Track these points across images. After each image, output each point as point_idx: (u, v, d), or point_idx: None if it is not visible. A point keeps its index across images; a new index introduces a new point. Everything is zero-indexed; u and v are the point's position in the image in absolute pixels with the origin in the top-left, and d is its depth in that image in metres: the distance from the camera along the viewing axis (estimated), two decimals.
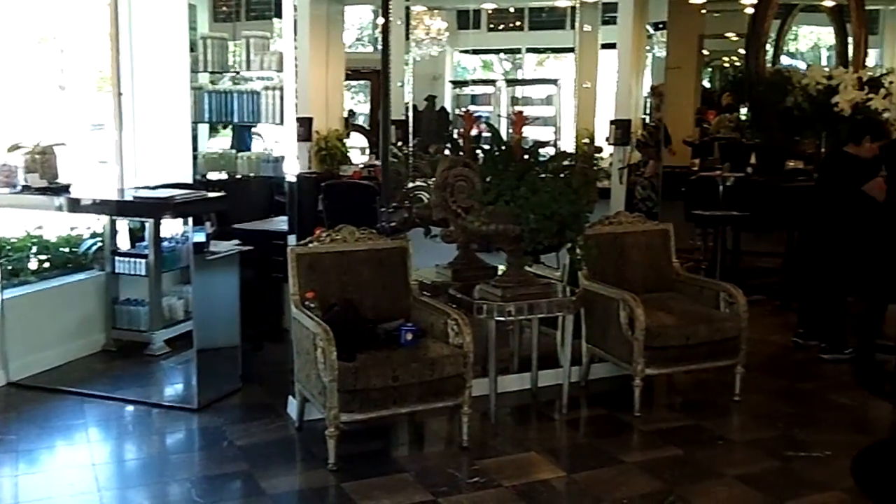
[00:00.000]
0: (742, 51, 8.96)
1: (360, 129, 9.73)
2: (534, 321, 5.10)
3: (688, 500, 3.95)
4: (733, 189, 7.38)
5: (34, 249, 5.76)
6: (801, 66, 9.59)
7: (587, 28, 6.04)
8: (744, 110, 8.39)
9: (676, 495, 3.99)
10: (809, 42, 11.79)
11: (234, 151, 7.50)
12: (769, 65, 8.77)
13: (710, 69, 12.60)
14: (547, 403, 5.15)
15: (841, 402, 5.28)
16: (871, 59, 9.78)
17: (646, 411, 4.98)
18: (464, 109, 6.66)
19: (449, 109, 9.84)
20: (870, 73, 7.69)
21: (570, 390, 5.09)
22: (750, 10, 8.58)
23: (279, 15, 5.58)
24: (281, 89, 5.91)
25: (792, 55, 11.40)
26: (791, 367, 5.94)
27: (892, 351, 5.77)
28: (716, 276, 7.52)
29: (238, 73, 6.83)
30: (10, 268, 5.52)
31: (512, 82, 11.01)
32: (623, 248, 5.48)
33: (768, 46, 9.23)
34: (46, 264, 5.80)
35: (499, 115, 8.77)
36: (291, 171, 4.82)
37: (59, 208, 5.13)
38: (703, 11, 9.16)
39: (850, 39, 8.74)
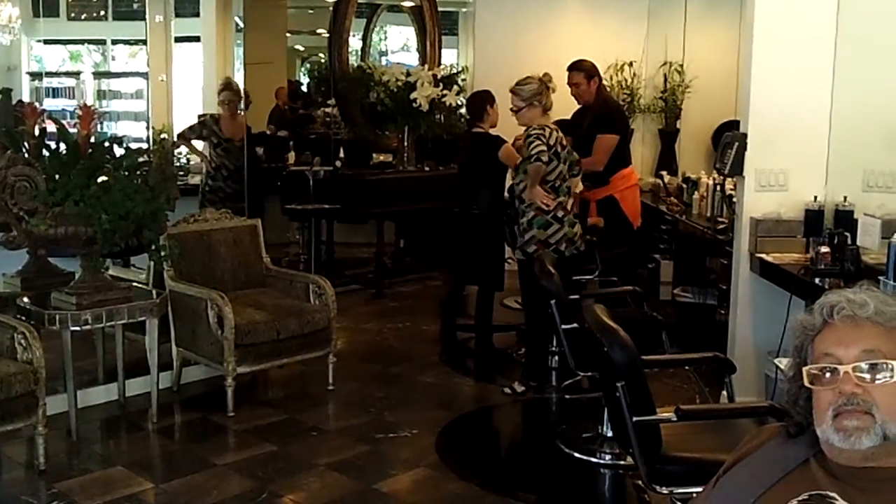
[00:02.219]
0: None
1: None
2: (117, 328, 4.82)
3: (280, 496, 3.94)
4: (324, 183, 7.52)
5: None
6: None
7: (158, 19, 5.80)
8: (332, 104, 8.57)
9: (269, 492, 3.96)
10: (400, 41, 12.36)
11: None
12: (360, 62, 9.05)
13: (308, 65, 12.79)
14: (137, 413, 4.89)
15: (428, 382, 5.55)
16: (452, 57, 10.47)
17: (240, 411, 4.90)
18: (27, 102, 6.13)
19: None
20: (444, 71, 8.20)
21: (162, 397, 4.89)
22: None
23: None
24: None
25: (383, 53, 11.91)
26: (382, 353, 6.16)
27: (472, 329, 6.15)
28: (312, 268, 7.65)
29: None
30: None
31: (99, 75, 10.41)
32: (210, 246, 5.35)
33: (358, 44, 9.55)
34: None
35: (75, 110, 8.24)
36: None
37: None
38: (289, 7, 9.25)
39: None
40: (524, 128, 5.25)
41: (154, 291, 4.86)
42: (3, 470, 4.29)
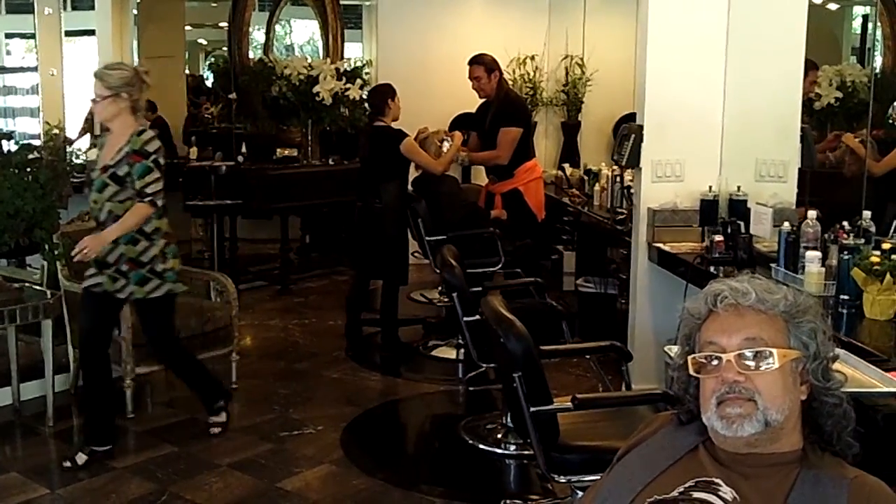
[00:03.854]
0: None
1: None
2: (9, 330, 4.66)
3: (181, 497, 3.87)
4: (226, 178, 7.41)
5: None
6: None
7: (48, 11, 5.61)
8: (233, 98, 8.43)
9: (170, 493, 3.89)
10: (306, 35, 12.24)
11: None
12: (262, 56, 8.94)
13: (212, 58, 12.59)
14: (33, 417, 4.75)
15: (334, 378, 5.50)
16: (357, 51, 10.40)
17: (140, 412, 4.81)
18: None
19: None
20: (347, 65, 8.16)
21: (59, 400, 4.76)
22: None
23: None
24: None
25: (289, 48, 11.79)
26: (287, 349, 6.09)
27: (377, 324, 6.14)
28: (215, 266, 7.54)
29: None
30: None
31: None
32: None
33: (261, 37, 9.42)
34: None
35: None
36: None
37: None
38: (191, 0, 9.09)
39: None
40: (107, 121, 4.15)
41: (48, 292, 4.71)
42: None
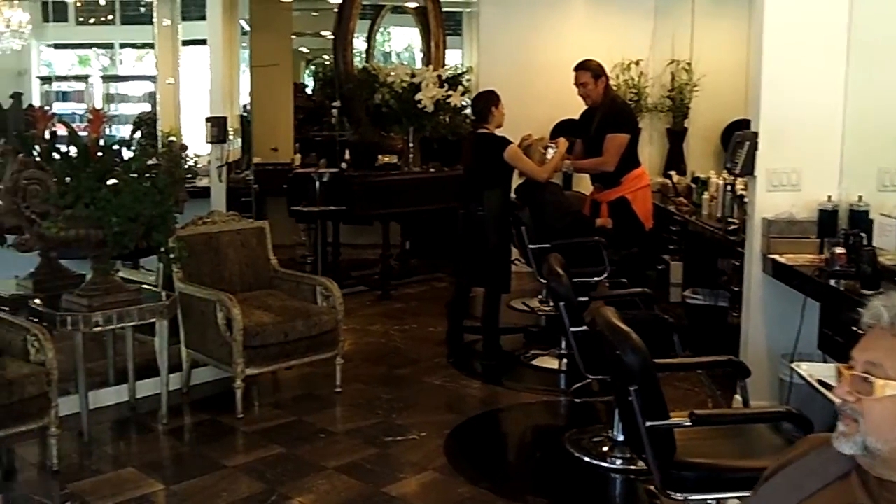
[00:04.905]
0: None
1: None
2: (127, 330, 4.82)
3: (290, 498, 3.93)
4: (330, 184, 7.52)
5: None
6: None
7: (166, 22, 5.78)
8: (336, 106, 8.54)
9: (279, 494, 3.95)
10: (404, 43, 12.35)
11: None
12: (365, 63, 9.05)
13: (313, 67, 12.78)
14: (147, 415, 4.91)
15: (435, 384, 5.52)
16: (457, 58, 10.44)
17: (249, 412, 4.92)
18: (37, 106, 6.12)
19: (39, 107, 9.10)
20: (449, 72, 8.18)
21: (172, 398, 4.90)
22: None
23: None
24: None
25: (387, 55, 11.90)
26: (389, 354, 6.13)
27: (478, 331, 6.13)
28: (318, 270, 7.64)
29: None
30: None
31: (108, 79, 10.44)
32: (219, 248, 5.34)
33: (363, 45, 9.54)
34: None
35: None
36: None
37: None
38: (294, 10, 9.25)
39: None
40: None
41: (163, 293, 4.86)
42: (17, 470, 4.28)
